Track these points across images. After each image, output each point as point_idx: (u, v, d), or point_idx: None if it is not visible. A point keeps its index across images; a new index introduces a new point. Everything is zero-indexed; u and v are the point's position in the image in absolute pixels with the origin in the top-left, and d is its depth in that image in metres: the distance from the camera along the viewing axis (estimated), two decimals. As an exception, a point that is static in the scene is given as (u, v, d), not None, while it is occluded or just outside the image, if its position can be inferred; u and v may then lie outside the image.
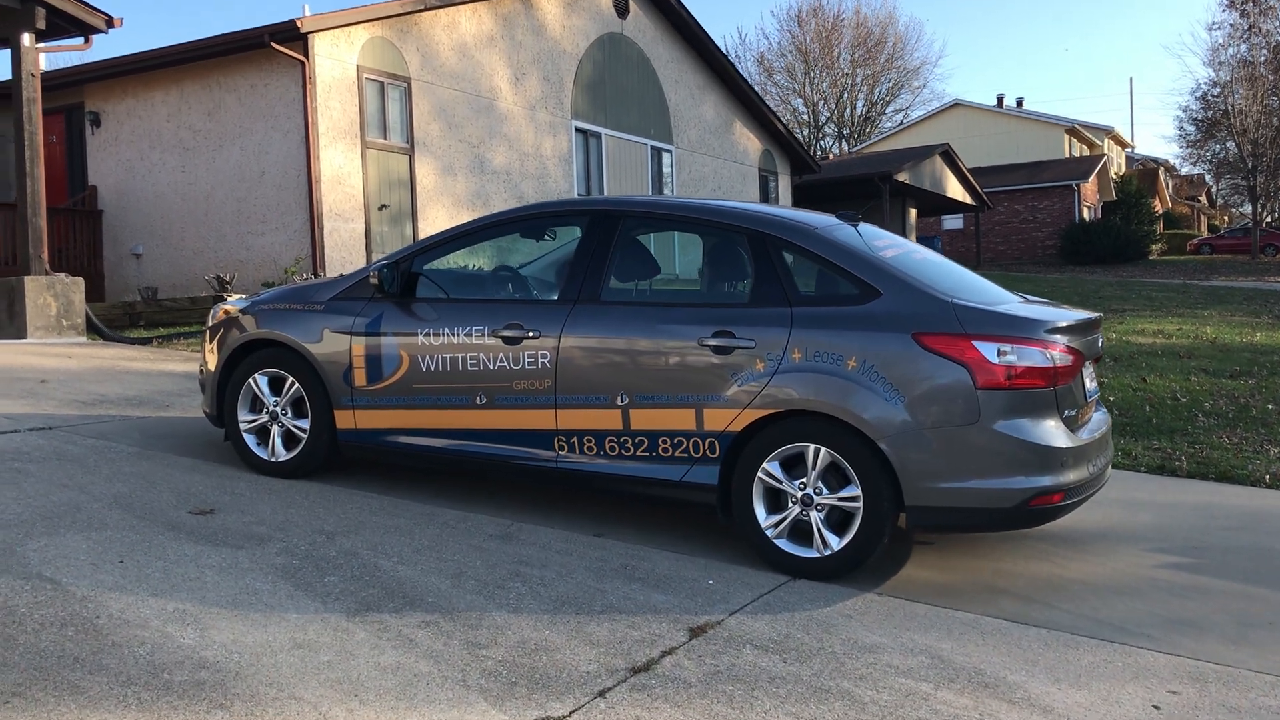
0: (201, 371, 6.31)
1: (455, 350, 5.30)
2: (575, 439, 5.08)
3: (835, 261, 4.80)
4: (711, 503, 4.88)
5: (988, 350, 4.44)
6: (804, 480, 4.66)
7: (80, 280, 11.37)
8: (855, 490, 4.57)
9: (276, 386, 5.84)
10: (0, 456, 5.67)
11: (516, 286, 5.87)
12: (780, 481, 4.70)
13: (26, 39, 11.00)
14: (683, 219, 5.38)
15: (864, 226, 5.27)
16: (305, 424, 5.72)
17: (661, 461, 4.92)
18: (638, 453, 4.96)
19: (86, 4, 11.07)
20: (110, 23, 11.28)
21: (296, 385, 5.73)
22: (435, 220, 17.24)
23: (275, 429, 5.81)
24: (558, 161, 19.91)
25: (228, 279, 14.85)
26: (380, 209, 16.36)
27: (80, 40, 11.63)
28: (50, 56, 11.55)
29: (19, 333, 10.84)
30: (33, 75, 11.04)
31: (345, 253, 15.75)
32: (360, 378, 5.53)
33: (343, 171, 15.77)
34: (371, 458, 5.72)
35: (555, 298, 5.38)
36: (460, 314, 5.36)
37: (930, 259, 5.27)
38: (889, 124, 62.51)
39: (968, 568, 5.13)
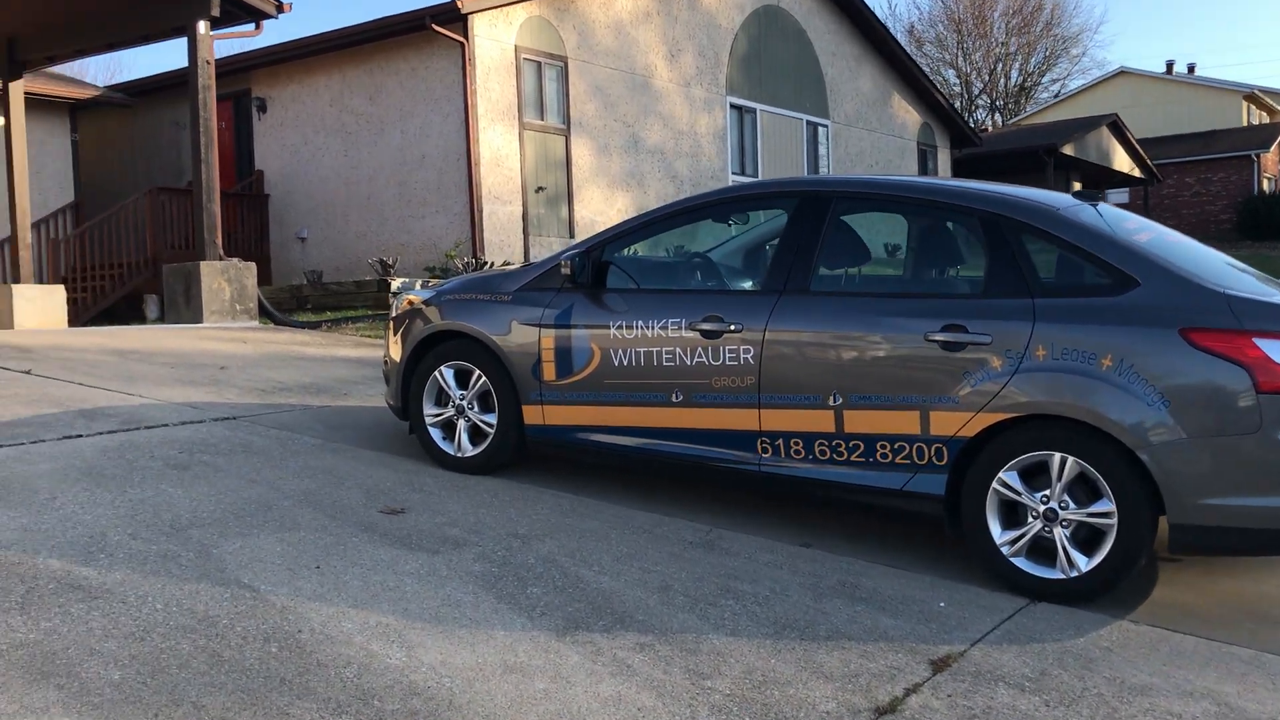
0: (385, 362, 6.16)
1: (649, 344, 4.98)
2: (781, 441, 4.69)
3: (1084, 247, 4.28)
4: (935, 514, 4.44)
5: (1272, 349, 3.87)
6: (1047, 493, 4.18)
7: (252, 265, 11.53)
8: (1109, 505, 4.07)
9: (462, 380, 5.62)
10: (191, 449, 5.61)
11: (712, 275, 5.51)
12: (1019, 493, 4.23)
13: (202, 26, 11.16)
14: (903, 200, 4.91)
15: (1104, 207, 4.72)
16: (492, 419, 5.50)
17: (879, 468, 4.50)
18: (852, 458, 4.55)
19: (258, -10, 11.17)
20: (280, 7, 11.36)
21: (483, 379, 5.51)
22: (590, 201, 17.06)
23: (461, 423, 5.60)
24: (712, 138, 19.49)
25: (390, 262, 14.95)
26: (537, 191, 16.25)
27: (251, 26, 11.77)
28: (217, 44, 11.71)
29: (195, 316, 11.04)
30: (207, 63, 11.19)
31: (503, 235, 15.69)
32: (549, 372, 5.26)
33: (501, 153, 15.69)
34: (559, 454, 5.46)
35: (757, 287, 5.00)
36: (654, 305, 5.03)
37: (1185, 243, 4.69)
38: (1045, 95, 59.89)
39: (1225, 591, 4.56)
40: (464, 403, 5.58)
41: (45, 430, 5.81)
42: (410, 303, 5.96)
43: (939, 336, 4.35)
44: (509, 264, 14.80)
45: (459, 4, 14.58)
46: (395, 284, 14.01)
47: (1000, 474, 4.24)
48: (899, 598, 4.20)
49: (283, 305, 14.66)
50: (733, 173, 19.99)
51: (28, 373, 7.45)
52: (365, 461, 5.67)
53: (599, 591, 4.02)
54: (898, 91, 24.68)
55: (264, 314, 11.66)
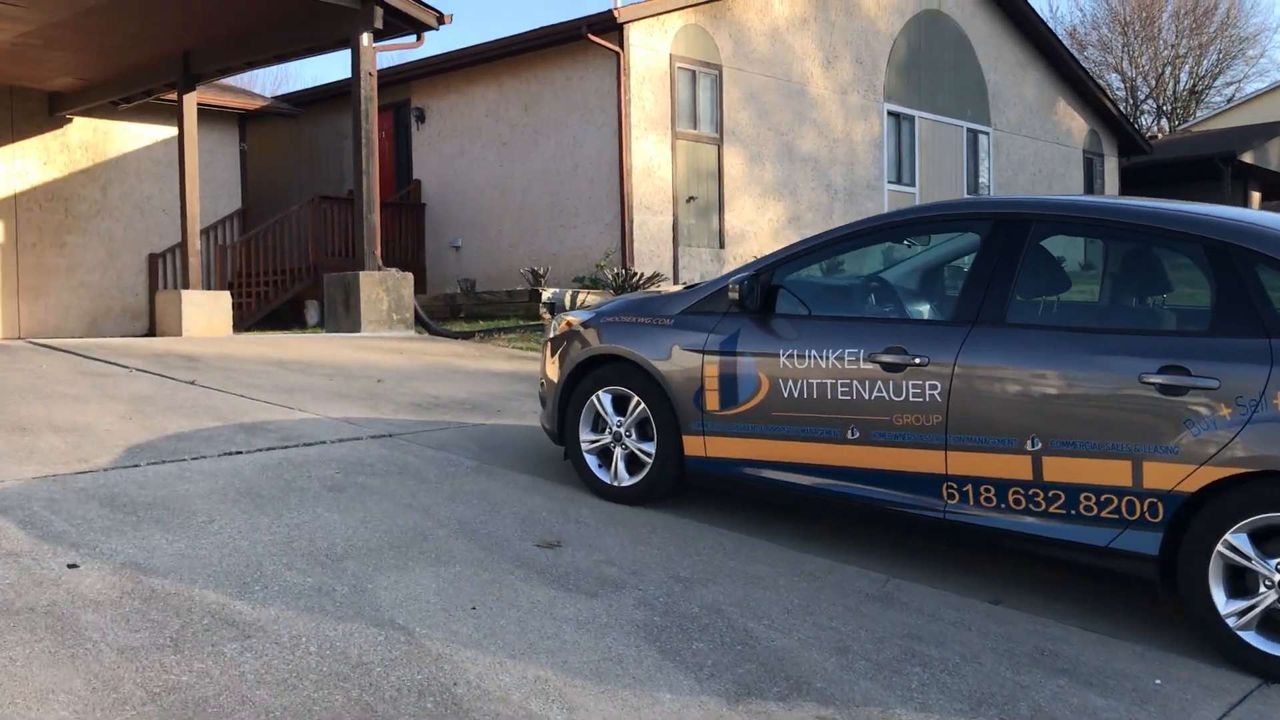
0: (541, 384, 5.98)
1: (823, 375, 4.64)
2: (970, 487, 4.29)
3: (1334, 282, 3.76)
4: (1146, 575, 3.98)
5: None
6: (1285, 561, 3.68)
7: (410, 275, 11.61)
8: (1361, 579, 3.55)
9: (620, 406, 5.39)
10: (348, 469, 5.53)
11: (892, 301, 5.13)
12: (1249, 559, 3.73)
13: (365, 39, 11.29)
14: (1112, 224, 4.44)
15: (1349, 234, 4.16)
16: (650, 447, 5.24)
17: (1081, 521, 4.06)
18: (1050, 509, 4.12)
19: (421, 1, 11.22)
20: (441, 19, 11.41)
21: (642, 405, 5.26)
22: (741, 211, 16.74)
23: (618, 451, 5.37)
24: (867, 146, 18.93)
25: (541, 272, 14.93)
26: (688, 201, 16.01)
27: (412, 38, 11.86)
28: (379, 56, 11.83)
29: (354, 325, 11.17)
30: (370, 74, 11.32)
31: (653, 245, 15.51)
32: (713, 401, 4.98)
33: (653, 163, 15.52)
34: (721, 488, 5.17)
35: (945, 316, 4.61)
36: (829, 333, 4.69)
37: None
38: (1217, 99, 56.68)
39: None
40: (621, 430, 5.35)
41: (206, 445, 5.82)
42: (568, 324, 5.76)
43: (1156, 379, 3.89)
44: (659, 275, 14.61)
45: (615, 13, 14.47)
46: (546, 294, 13.98)
47: (1227, 536, 3.76)
48: (1106, 671, 3.75)
49: (437, 314, 14.79)
50: (889, 182, 19.39)
51: (192, 383, 7.56)
52: (520, 487, 5.49)
53: (771, 651, 3.71)
54: (1063, 97, 23.59)
55: (419, 323, 11.73)
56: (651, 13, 15.11)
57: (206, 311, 13.25)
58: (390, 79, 17.18)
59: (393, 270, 11.56)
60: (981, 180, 21.41)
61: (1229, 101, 54.99)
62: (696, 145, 16.15)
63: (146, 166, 16.61)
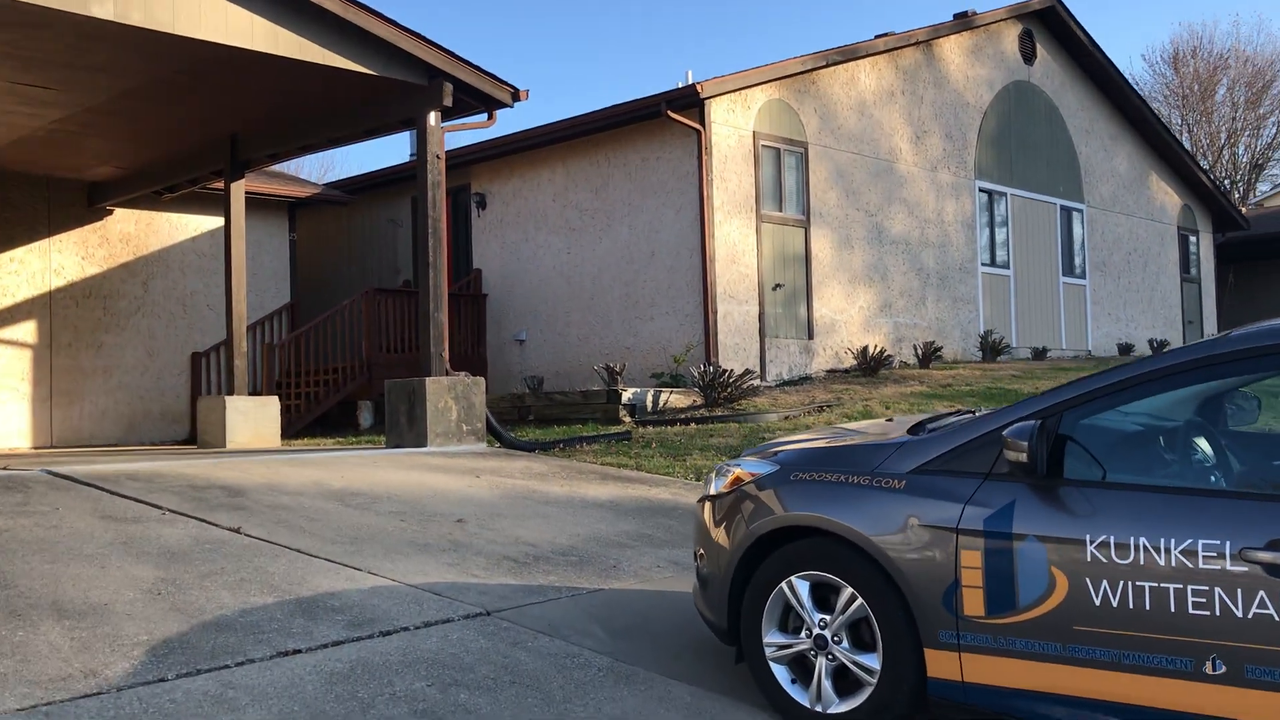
0: (698, 557, 4.50)
1: (1162, 576, 3.14)
2: None
3: None
4: None
5: None
6: None
7: (480, 381, 10.25)
8: None
9: (824, 598, 3.90)
10: (442, 679, 4.07)
11: (1259, 466, 3.64)
12: None
13: (432, 118, 10.10)
14: None
15: None
16: (872, 661, 3.74)
17: None
18: None
19: (494, 77, 10.04)
20: (516, 95, 10.21)
21: (859, 601, 3.77)
22: (830, 299, 15.34)
23: (822, 662, 3.87)
24: (960, 227, 17.54)
25: (618, 369, 13.56)
26: (774, 289, 14.64)
27: (483, 117, 10.67)
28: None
29: (419, 439, 9.79)
30: (438, 157, 10.11)
31: (738, 338, 14.12)
32: (974, 603, 3.48)
33: (737, 249, 14.20)
34: (976, 721, 3.64)
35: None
36: (1165, 512, 3.21)
37: None
38: (1278, 172, 55.01)
39: None
40: (826, 633, 3.85)
41: (254, 640, 4.38)
42: (738, 479, 4.30)
43: None
44: (750, 372, 13.17)
45: (699, 88, 13.26)
46: (626, 394, 12.57)
47: None
48: None
49: (504, 416, 13.42)
50: (982, 264, 17.95)
51: (237, 530, 6.17)
52: (678, 708, 3.99)
53: None
54: (1155, 171, 22.16)
55: (490, 432, 10.34)
56: (734, 87, 13.91)
57: (253, 420, 11.98)
58: (449, 163, 16.04)
59: (463, 375, 10.21)
60: (1077, 261, 19.92)
61: (1298, 174, 53.23)
62: (783, 229, 14.83)
63: (191, 260, 15.54)
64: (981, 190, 18.09)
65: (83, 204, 14.63)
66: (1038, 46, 19.27)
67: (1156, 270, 21.92)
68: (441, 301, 10.11)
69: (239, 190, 12.41)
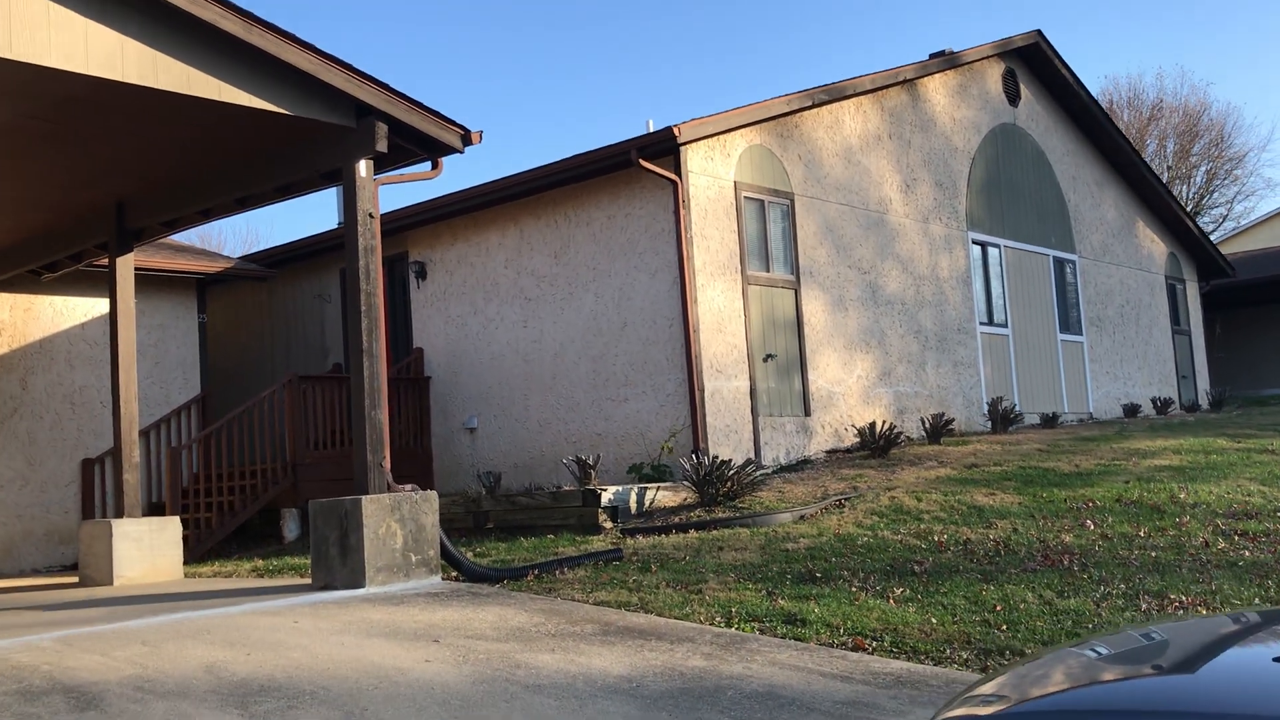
0: None
1: None
2: None
3: None
4: None
5: None
6: None
7: (432, 496, 8.08)
8: None
9: None
10: None
11: None
12: None
13: (363, 168, 8.05)
14: None
15: None
16: None
17: None
18: None
19: (440, 115, 8.02)
20: (467, 139, 8.20)
21: None
22: (826, 368, 13.44)
23: None
24: (955, 283, 15.82)
25: (590, 462, 11.44)
26: (765, 360, 12.71)
27: (426, 166, 8.66)
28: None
29: (354, 576, 7.58)
30: (370, 216, 8.04)
31: (728, 418, 12.11)
32: None
33: (723, 315, 12.25)
34: None
35: None
36: None
37: None
38: (1230, 222, 54.93)
39: None
40: None
41: None
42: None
43: None
44: (752, 462, 11.16)
45: (676, 130, 11.39)
46: (606, 493, 10.46)
47: None
48: None
49: (457, 524, 11.22)
50: (980, 323, 16.22)
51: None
52: None
53: None
54: (1140, 218, 20.80)
55: (446, 559, 8.16)
56: (713, 131, 12.07)
57: (147, 547, 9.66)
58: (383, 227, 13.97)
59: (409, 490, 8.04)
60: (1073, 316, 18.31)
61: (1238, 226, 53.03)
62: (771, 291, 12.94)
63: (80, 350, 13.20)
64: (975, 242, 16.43)
65: (-57, 288, 12.29)
66: (1021, 87, 17.82)
67: (1149, 323, 20.44)
68: (380, 397, 7.97)
69: (126, 266, 10.21)
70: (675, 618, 6.74)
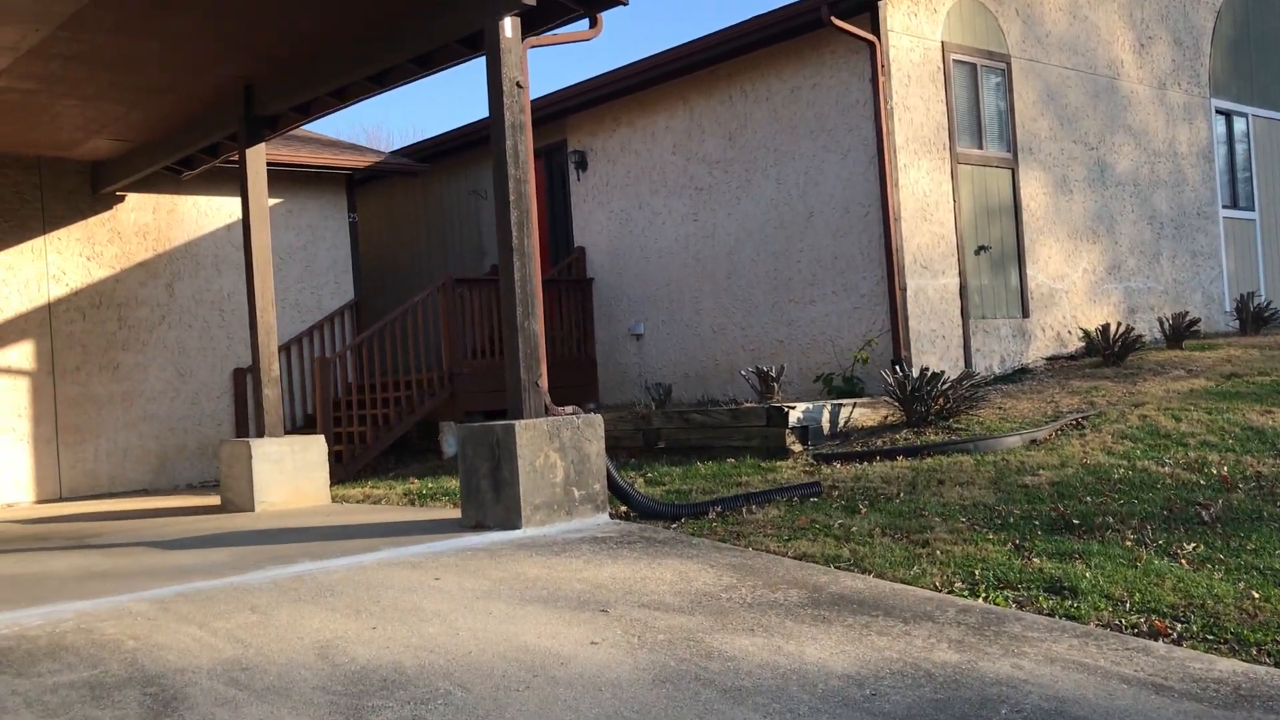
0: None
1: None
2: None
3: None
4: None
5: None
6: None
7: (597, 420, 6.81)
8: None
9: None
10: None
11: None
12: None
13: (508, 27, 6.66)
14: None
15: None
16: None
17: None
18: None
19: (596, -45, 6.53)
20: (629, -12, 6.69)
21: None
22: (1047, 261, 11.54)
23: None
24: (1195, 159, 13.50)
25: (771, 373, 10.03)
26: (977, 252, 10.92)
27: (583, 25, 7.24)
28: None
29: (508, 515, 6.43)
30: (518, 85, 6.67)
31: (933, 322, 10.45)
32: None
33: (929, 200, 10.51)
34: None
35: None
36: None
37: None
38: None
39: None
40: None
41: None
42: None
43: None
44: (972, 374, 9.53)
45: (875, -21, 9.59)
46: (795, 412, 9.03)
47: None
48: None
49: (623, 443, 10.03)
50: (1223, 207, 13.87)
51: None
52: None
53: None
54: None
55: (614, 492, 6.93)
56: (918, -20, 10.20)
57: (289, 470, 8.80)
58: (536, 114, 12.66)
59: (569, 412, 6.81)
60: (1333, 195, 15.61)
61: None
62: (984, 171, 11.08)
63: (227, 253, 12.46)
64: (1219, 111, 13.99)
65: (85, 190, 11.62)
66: (1279, -78, 14.99)
67: None
68: (534, 304, 6.69)
69: (257, 158, 9.20)
70: (901, 581, 5.32)
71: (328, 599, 5.06)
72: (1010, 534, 6.00)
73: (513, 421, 6.46)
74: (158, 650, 4.28)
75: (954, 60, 10.82)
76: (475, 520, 6.68)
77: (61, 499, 11.17)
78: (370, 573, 5.57)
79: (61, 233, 11.44)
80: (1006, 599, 4.99)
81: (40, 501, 11.06)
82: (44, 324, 11.28)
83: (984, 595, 5.06)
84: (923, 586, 5.21)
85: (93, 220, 11.64)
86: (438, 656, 4.22)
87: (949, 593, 5.12)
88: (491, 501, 6.55)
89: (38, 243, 11.30)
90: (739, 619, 4.71)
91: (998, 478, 7.27)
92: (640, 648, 4.34)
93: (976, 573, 5.34)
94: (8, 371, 11.01)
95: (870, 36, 10.03)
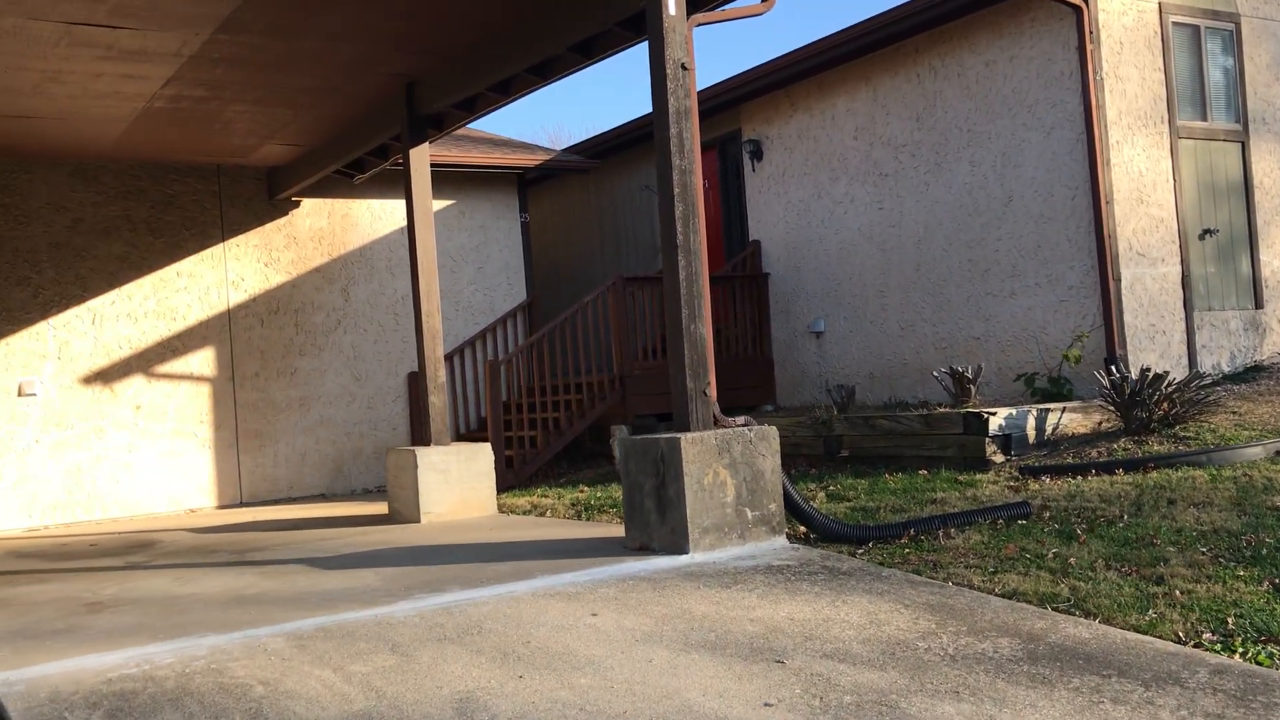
0: None
1: None
2: None
3: None
4: None
5: None
6: None
7: (771, 432, 6.17)
8: None
9: None
10: None
11: None
12: None
13: (671, 3, 6.09)
14: None
15: None
16: None
17: None
18: None
19: (767, -83, 5.85)
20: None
21: None
22: (1284, 246, 10.21)
23: None
24: None
25: (967, 374, 9.15)
26: (1202, 237, 9.72)
27: (754, -2, 6.55)
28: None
29: (674, 540, 5.87)
30: (683, 68, 6.09)
31: (1151, 316, 9.34)
32: None
33: (1144, 181, 9.39)
34: None
35: None
36: None
37: None
38: None
39: None
40: None
41: None
42: None
43: None
44: (1203, 375, 8.43)
45: (1084, -67, 8.58)
46: (996, 418, 8.14)
47: None
48: None
49: (802, 451, 9.35)
50: None
51: None
52: None
53: None
54: None
55: (792, 512, 6.28)
56: (1132, -67, 9.11)
57: (455, 480, 8.52)
58: (708, 103, 12.08)
59: (740, 425, 6.20)
60: None
61: None
62: (1208, 146, 9.86)
63: (400, 256, 12.39)
64: None
65: (262, 197, 11.73)
66: None
67: None
68: (700, 305, 6.10)
69: (421, 158, 8.95)
70: (1134, 628, 4.49)
71: (474, 638, 4.61)
72: (1265, 570, 5.05)
73: (678, 435, 5.89)
74: (285, 700, 3.90)
75: (1173, 22, 9.65)
76: (639, 543, 6.15)
77: (242, 504, 11.30)
78: (523, 606, 5.11)
79: (240, 239, 11.57)
80: (1271, 657, 4.11)
81: (221, 506, 11.20)
82: (224, 330, 11.43)
83: (1240, 650, 4.18)
84: (1161, 636, 4.37)
85: (269, 226, 11.74)
86: (588, 717, 3.69)
87: (1196, 645, 4.27)
88: (656, 523, 6.01)
89: (217, 250, 11.46)
90: (940, 677, 4.00)
91: (1241, 498, 6.26)
92: (823, 712, 3.69)
93: (1229, 621, 4.45)
94: (190, 378, 11.19)
95: (1076, 0, 9.01)
